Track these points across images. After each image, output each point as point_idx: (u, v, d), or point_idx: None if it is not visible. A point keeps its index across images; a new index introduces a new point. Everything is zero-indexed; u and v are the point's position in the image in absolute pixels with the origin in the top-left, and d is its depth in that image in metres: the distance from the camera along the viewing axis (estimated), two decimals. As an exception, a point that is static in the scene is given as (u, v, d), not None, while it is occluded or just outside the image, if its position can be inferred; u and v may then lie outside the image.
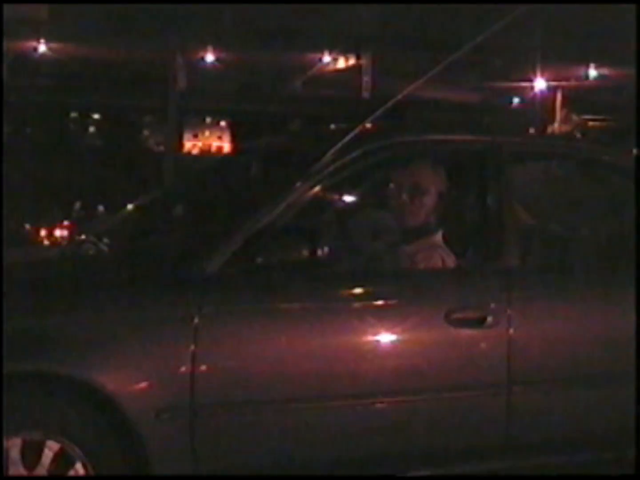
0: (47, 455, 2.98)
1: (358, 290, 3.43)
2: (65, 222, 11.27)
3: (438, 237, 3.78)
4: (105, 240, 3.73)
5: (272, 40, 14.81)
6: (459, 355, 3.46)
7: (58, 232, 11.52)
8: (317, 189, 3.44)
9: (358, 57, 15.72)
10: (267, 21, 14.21)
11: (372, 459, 3.38)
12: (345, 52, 15.88)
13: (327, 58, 15.96)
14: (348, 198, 3.82)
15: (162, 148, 15.43)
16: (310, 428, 3.27)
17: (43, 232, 11.49)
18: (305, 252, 3.31)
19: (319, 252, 3.37)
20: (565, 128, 15.97)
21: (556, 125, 16.06)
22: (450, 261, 3.71)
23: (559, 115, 16.57)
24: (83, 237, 3.91)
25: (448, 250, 3.74)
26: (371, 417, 3.37)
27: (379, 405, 3.38)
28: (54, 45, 14.87)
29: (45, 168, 14.12)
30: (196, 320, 3.14)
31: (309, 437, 3.27)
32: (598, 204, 4.07)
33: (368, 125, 3.74)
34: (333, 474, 3.33)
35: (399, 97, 3.68)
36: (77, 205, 10.86)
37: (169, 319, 3.15)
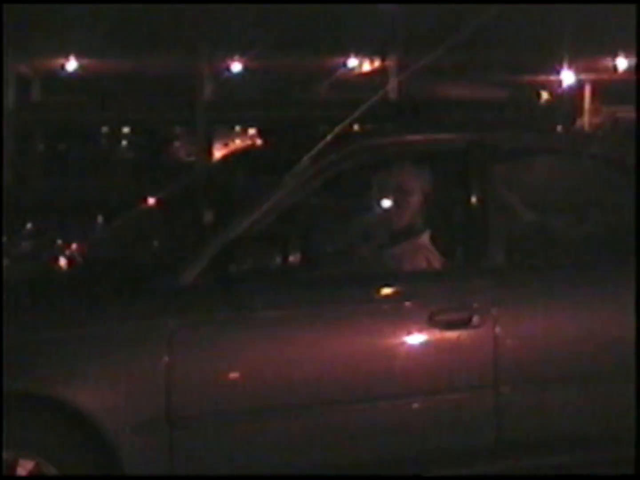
0: (21, 473, 2.94)
1: (338, 295, 3.35)
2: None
3: (424, 237, 3.69)
4: (85, 254, 3.70)
5: (296, 46, 14.80)
6: (444, 357, 3.37)
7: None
8: (294, 194, 3.37)
9: (383, 60, 15.65)
10: (291, 27, 14.20)
11: (356, 465, 3.30)
12: (370, 55, 15.83)
13: (352, 61, 15.91)
14: (328, 202, 3.75)
15: (193, 159, 15.51)
16: (290, 435, 3.20)
17: (74, 247, 11.57)
18: (283, 259, 3.24)
19: (298, 258, 3.30)
20: (595, 120, 15.74)
21: (585, 117, 15.82)
22: (436, 262, 3.63)
23: (588, 107, 16.32)
24: (70, 251, 3.89)
25: (434, 251, 3.65)
26: (355, 423, 3.29)
27: (362, 411, 3.29)
28: (82, 61, 15.02)
29: (78, 183, 14.25)
30: (170, 331, 3.09)
31: (289, 445, 3.20)
32: (595, 198, 3.94)
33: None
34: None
35: (375, 98, 3.61)
36: (100, 219, 10.85)
37: (143, 331, 3.10)
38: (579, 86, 16.47)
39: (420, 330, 3.34)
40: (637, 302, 3.33)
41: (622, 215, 3.55)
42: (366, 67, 15.85)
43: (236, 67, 15.44)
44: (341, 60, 15.76)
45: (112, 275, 3.37)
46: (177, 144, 16.96)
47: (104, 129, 16.86)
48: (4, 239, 8.53)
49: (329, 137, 3.47)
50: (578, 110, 16.21)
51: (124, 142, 16.80)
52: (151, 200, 4.16)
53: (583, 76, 16.27)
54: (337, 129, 3.50)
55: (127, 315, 3.12)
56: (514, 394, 3.40)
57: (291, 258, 3.21)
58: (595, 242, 3.72)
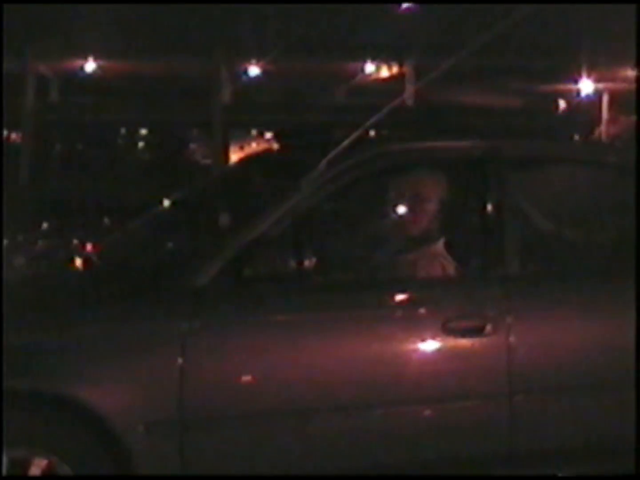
0: (34, 472, 2.96)
1: (352, 301, 3.36)
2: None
3: (439, 245, 3.69)
4: (100, 255, 3.73)
5: (315, 50, 14.83)
6: (457, 364, 3.37)
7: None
8: (310, 199, 3.38)
9: (401, 65, 15.67)
10: (309, 32, 14.25)
11: (366, 468, 3.30)
12: (387, 61, 15.86)
13: (370, 67, 15.93)
14: (344, 208, 3.75)
15: (209, 161, 15.56)
16: (301, 439, 3.21)
17: (89, 247, 11.57)
18: (298, 263, 3.25)
19: (313, 263, 3.31)
20: (613, 130, 15.69)
21: (603, 127, 15.78)
22: (451, 269, 3.63)
23: (606, 117, 16.28)
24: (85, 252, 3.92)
25: (449, 259, 3.65)
26: (367, 428, 3.29)
27: (375, 416, 3.30)
28: (100, 62, 15.09)
29: (94, 183, 14.32)
30: (185, 333, 3.10)
31: (301, 450, 3.21)
32: (612, 208, 3.93)
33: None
34: None
35: (393, 104, 3.63)
36: (106, 220, 10.80)
37: (157, 332, 3.12)
38: (597, 96, 16.42)
39: (433, 337, 3.34)
40: (637, 307, 3.32)
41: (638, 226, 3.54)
42: (384, 72, 15.87)
43: (254, 70, 15.48)
44: (359, 65, 15.79)
45: (128, 276, 3.39)
46: (193, 146, 17.02)
47: (122, 130, 16.95)
48: (20, 238, 8.58)
49: (346, 143, 3.47)
50: (596, 119, 16.17)
51: (141, 144, 16.89)
52: (167, 202, 4.19)
53: (601, 86, 16.22)
54: (354, 135, 3.50)
55: (142, 316, 3.14)
56: (527, 402, 3.40)
57: (306, 262, 3.23)
58: (611, 252, 3.71)
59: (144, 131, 16.89)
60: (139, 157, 16.47)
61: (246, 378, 3.16)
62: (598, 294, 3.53)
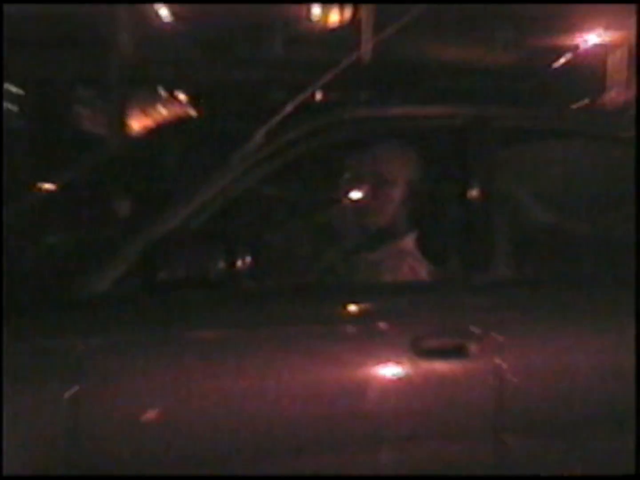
0: None
1: (295, 313, 3.41)
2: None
3: (408, 241, 3.77)
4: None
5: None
6: (430, 395, 3.43)
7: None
8: (242, 181, 3.42)
9: (355, 9, 15.73)
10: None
11: None
12: (338, 3, 15.92)
13: (316, 10, 15.97)
14: (286, 193, 3.80)
15: (102, 130, 15.45)
16: None
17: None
18: (227, 264, 3.28)
19: (246, 264, 3.34)
20: (628, 95, 15.96)
21: (613, 91, 16.06)
22: (423, 272, 3.70)
23: (618, 78, 16.54)
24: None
25: (421, 259, 3.72)
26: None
27: (325, 462, 3.34)
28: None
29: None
30: (79, 354, 3.12)
31: None
32: (623, 195, 4.03)
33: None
34: None
35: (349, 60, 3.67)
36: None
37: (42, 353, 3.13)
38: (606, 51, 16.69)
39: (399, 360, 3.40)
40: (637, 310, 3.43)
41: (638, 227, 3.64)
42: (334, 18, 15.93)
43: (163, 12, 15.42)
44: (301, 8, 15.83)
45: (7, 280, 3.38)
46: (81, 110, 16.86)
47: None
48: None
49: (288, 108, 3.51)
50: (605, 81, 16.44)
51: (13, 107, 16.70)
52: (50, 185, 4.19)
53: (612, 38, 16.45)
54: (298, 98, 3.54)
55: (22, 334, 3.14)
56: (520, 444, 3.47)
57: (238, 263, 3.26)
58: (626, 248, 3.79)
59: (15, 90, 16.63)
60: (10, 125, 16.26)
61: (158, 413, 3.18)
62: (611, 304, 3.62)
